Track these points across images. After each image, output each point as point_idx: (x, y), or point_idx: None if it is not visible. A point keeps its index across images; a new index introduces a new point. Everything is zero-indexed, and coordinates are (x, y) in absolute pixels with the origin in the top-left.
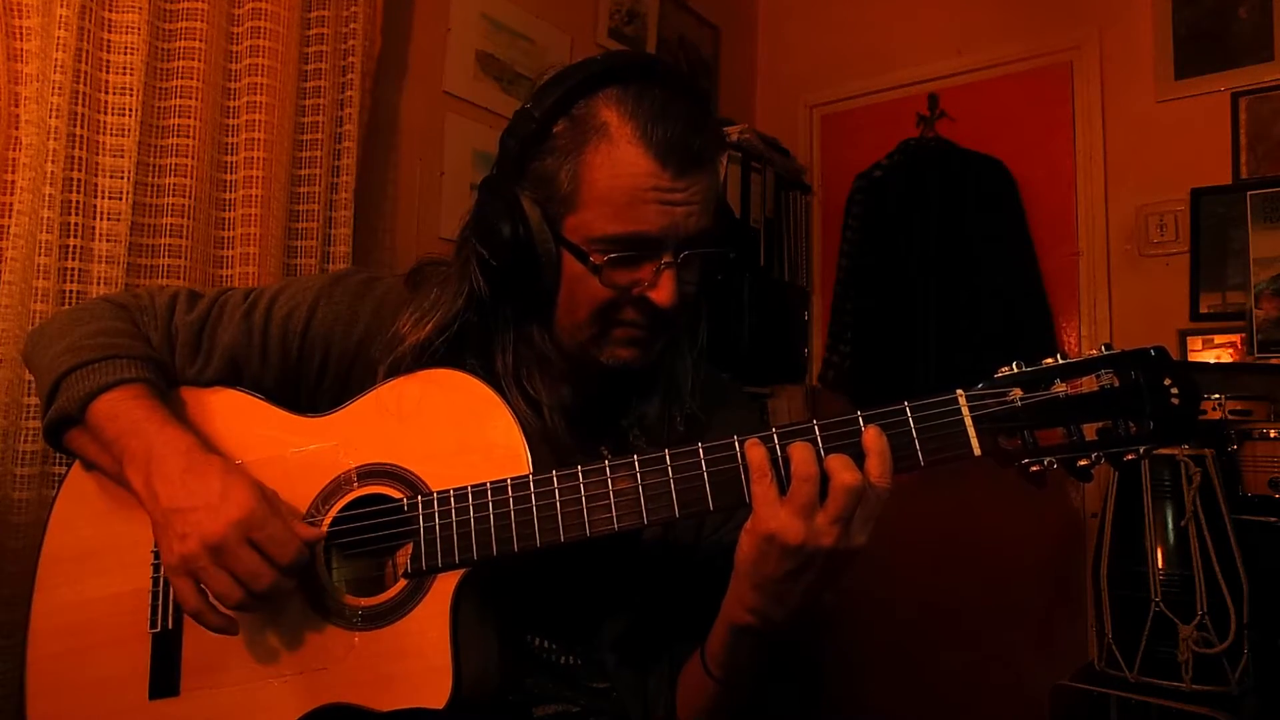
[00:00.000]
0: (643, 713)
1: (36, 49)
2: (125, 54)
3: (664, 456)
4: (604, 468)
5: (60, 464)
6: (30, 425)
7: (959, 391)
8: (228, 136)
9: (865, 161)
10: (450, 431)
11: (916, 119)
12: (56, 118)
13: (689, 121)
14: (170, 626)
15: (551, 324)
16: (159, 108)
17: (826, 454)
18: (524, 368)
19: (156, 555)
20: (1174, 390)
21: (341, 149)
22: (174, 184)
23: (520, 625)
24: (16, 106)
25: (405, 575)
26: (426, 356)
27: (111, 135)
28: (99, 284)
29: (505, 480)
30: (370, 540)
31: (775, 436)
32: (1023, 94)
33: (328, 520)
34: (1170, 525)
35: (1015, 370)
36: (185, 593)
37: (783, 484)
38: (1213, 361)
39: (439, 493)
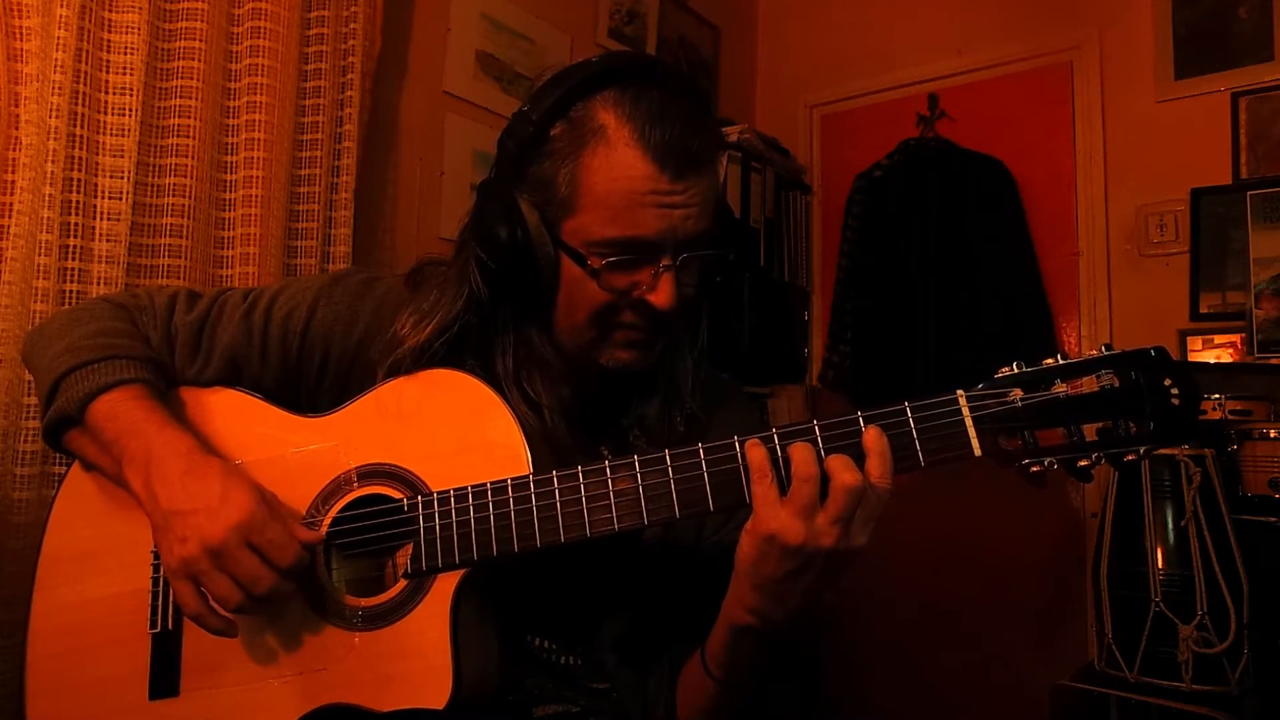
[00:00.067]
0: (643, 713)
1: (36, 49)
2: (125, 54)
3: (664, 457)
4: (604, 468)
5: (60, 464)
6: (30, 425)
7: (959, 392)
8: (228, 136)
9: (865, 161)
10: (450, 431)
11: (916, 119)
12: (56, 118)
13: (687, 123)
14: (170, 627)
15: (551, 326)
16: (159, 108)
17: (827, 454)
18: (524, 370)
19: (156, 555)
20: (1174, 390)
21: (341, 149)
22: (174, 184)
23: (520, 625)
24: (16, 106)
25: (405, 575)
26: (426, 358)
27: (111, 135)
28: (99, 284)
29: (505, 480)
30: (370, 540)
31: (775, 437)
32: (1023, 94)
33: (327, 520)
34: (1170, 525)
35: (1015, 370)
36: (185, 596)
37: (783, 484)
38: (1213, 361)
39: (439, 493)
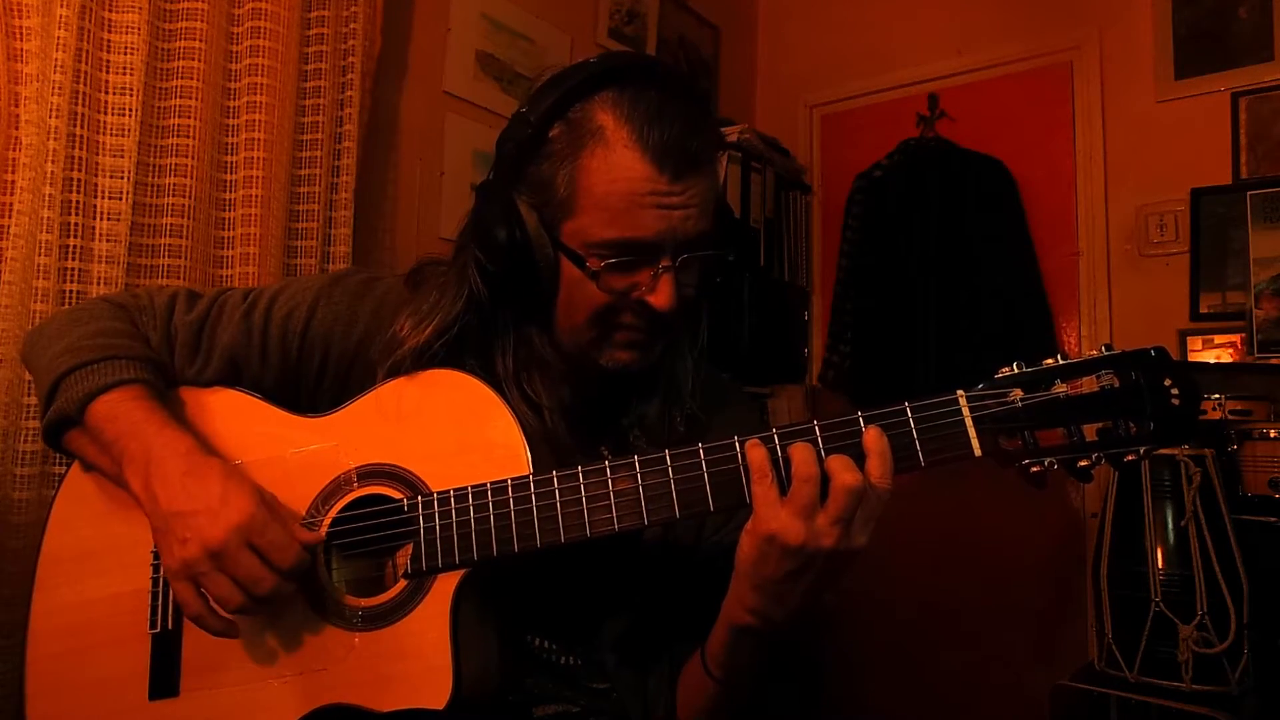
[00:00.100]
0: (643, 713)
1: (36, 49)
2: (125, 54)
3: (664, 457)
4: (604, 468)
5: (60, 464)
6: (30, 425)
7: (959, 392)
8: (228, 136)
9: (865, 161)
10: (450, 431)
11: (916, 119)
12: (56, 118)
13: (685, 123)
14: (170, 627)
15: (551, 327)
16: (159, 108)
17: (827, 454)
18: (524, 370)
19: (156, 556)
20: (1174, 391)
21: (341, 149)
22: (174, 184)
23: (520, 625)
24: (16, 106)
25: (405, 576)
26: (426, 359)
27: (111, 135)
28: (99, 284)
29: (505, 481)
30: (370, 541)
31: (776, 437)
32: (1023, 94)
33: (327, 521)
34: (1170, 525)
35: (1016, 371)
36: (186, 597)
37: (783, 485)
38: (1213, 361)
39: (439, 493)
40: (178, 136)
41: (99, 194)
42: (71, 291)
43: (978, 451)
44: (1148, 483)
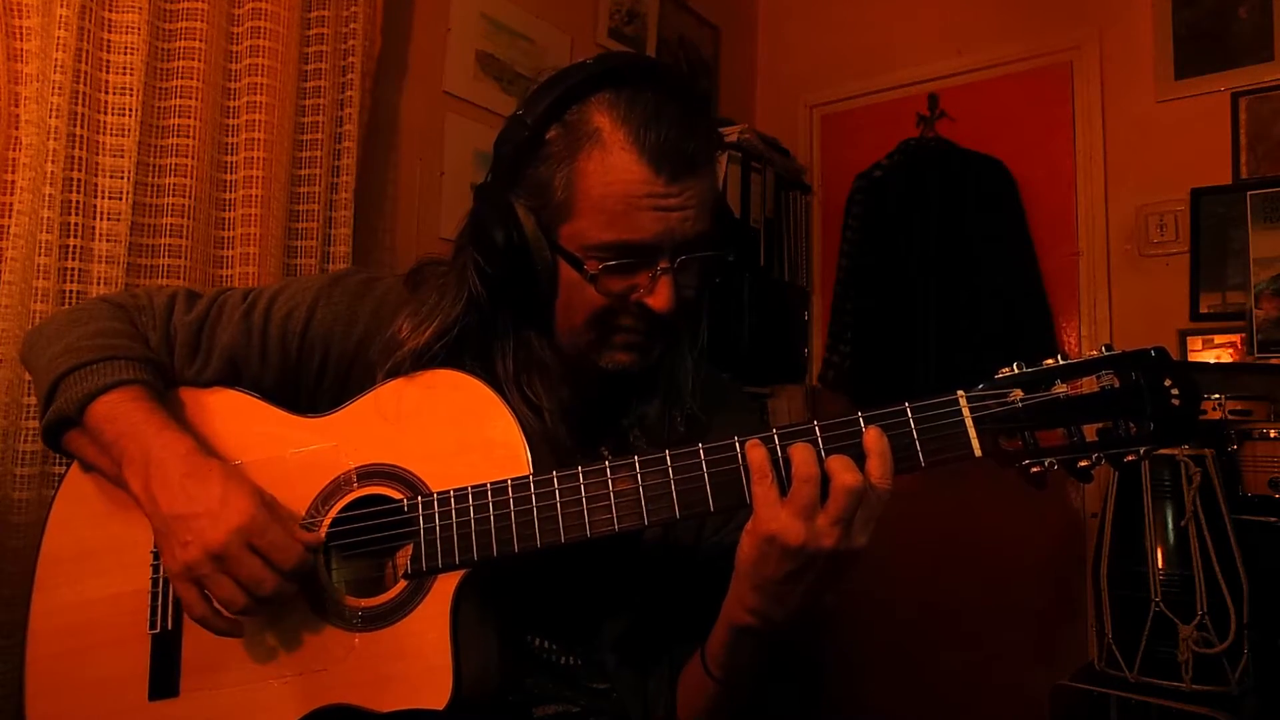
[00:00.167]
0: (643, 713)
1: (36, 49)
2: (125, 54)
3: (664, 457)
4: (604, 468)
5: (60, 464)
6: (30, 425)
7: (960, 392)
8: (228, 136)
9: (865, 161)
10: (449, 431)
11: (916, 119)
12: (56, 118)
13: (683, 125)
14: (170, 627)
15: (550, 329)
16: (159, 108)
17: (827, 455)
18: (524, 372)
19: (156, 556)
20: (1174, 391)
21: (341, 149)
22: (174, 184)
23: (520, 625)
24: (16, 106)
25: (405, 576)
26: (425, 361)
27: (111, 135)
28: (99, 284)
29: (505, 481)
30: (370, 541)
31: (776, 437)
32: (1023, 94)
33: (327, 521)
34: (1170, 525)
35: (1016, 371)
36: (190, 599)
37: (783, 485)
38: (1213, 361)
39: (439, 493)
40: (178, 136)
41: (99, 194)
42: (71, 291)
43: (978, 452)
44: (1148, 483)
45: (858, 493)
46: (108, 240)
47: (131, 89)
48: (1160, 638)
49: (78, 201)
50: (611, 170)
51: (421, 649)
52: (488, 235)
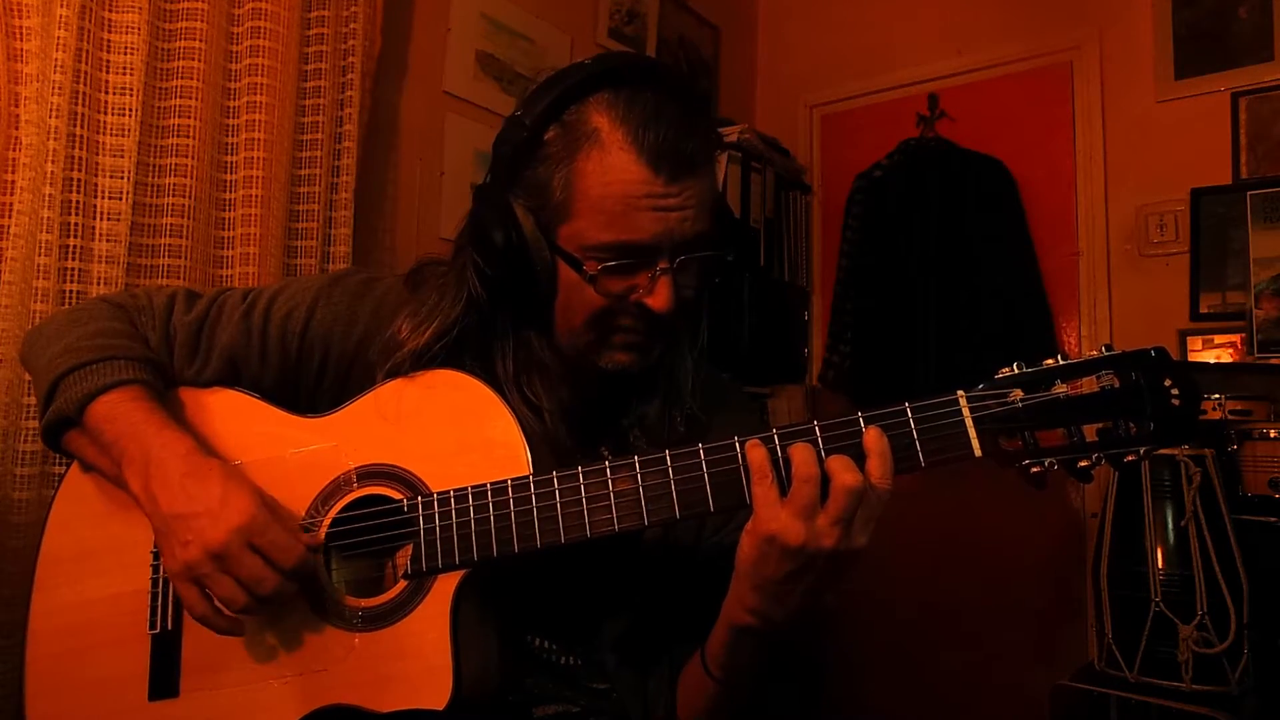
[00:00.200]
0: (643, 713)
1: (36, 49)
2: (125, 54)
3: (664, 457)
4: (604, 468)
5: (60, 464)
6: (30, 425)
7: (960, 392)
8: (228, 136)
9: (865, 161)
10: (449, 431)
11: (916, 119)
12: (56, 118)
13: (681, 124)
14: (170, 627)
15: (550, 330)
16: (159, 108)
17: (827, 455)
18: (524, 373)
19: (156, 556)
20: (1174, 391)
21: (341, 149)
22: (174, 184)
23: (520, 625)
24: (16, 106)
25: (405, 576)
26: (425, 362)
27: (111, 135)
28: (99, 284)
29: (505, 481)
30: (370, 541)
31: (776, 437)
32: (1023, 94)
33: (327, 521)
34: (1170, 525)
35: (1016, 371)
36: (191, 599)
37: (783, 485)
38: (1213, 361)
39: (439, 493)
40: (178, 136)
41: (99, 194)
42: (71, 291)
43: (978, 452)
44: (1148, 483)
45: (858, 493)
46: (108, 240)
47: (131, 89)
48: (1160, 638)
49: (78, 201)
50: (610, 170)
51: (421, 649)
52: (487, 236)
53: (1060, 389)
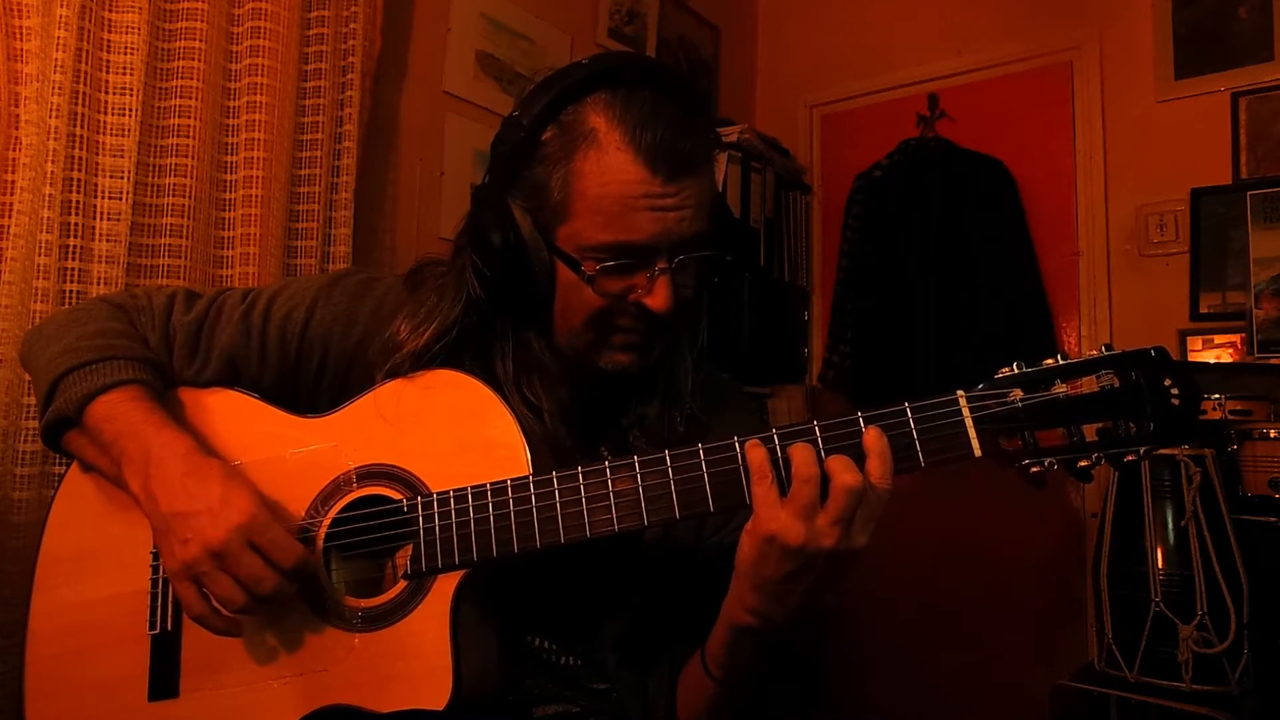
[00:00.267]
0: (643, 713)
1: (36, 49)
2: (125, 54)
3: (664, 457)
4: (604, 469)
5: (60, 464)
6: (30, 425)
7: (959, 392)
8: (228, 136)
9: (865, 161)
10: (449, 431)
11: (916, 119)
12: (56, 118)
13: (679, 124)
14: (170, 628)
15: (549, 330)
16: (159, 108)
17: (827, 455)
18: (523, 374)
19: (155, 556)
20: (1174, 391)
21: (341, 149)
22: (174, 184)
23: (520, 626)
24: (16, 106)
25: (405, 576)
26: (424, 363)
27: (111, 135)
28: (99, 284)
29: (505, 481)
30: (370, 541)
31: (776, 437)
32: (1023, 94)
33: (327, 521)
34: (1170, 525)
35: (1016, 371)
36: (189, 598)
37: (783, 485)
38: (1213, 361)
39: (439, 494)
40: (178, 136)
41: (99, 194)
42: (71, 291)
43: (978, 452)
44: (1148, 483)
45: (858, 493)
46: (108, 240)
47: (131, 89)
48: (1160, 638)
49: (78, 201)
50: (607, 171)
51: (421, 649)
52: (485, 237)
53: (1060, 389)
